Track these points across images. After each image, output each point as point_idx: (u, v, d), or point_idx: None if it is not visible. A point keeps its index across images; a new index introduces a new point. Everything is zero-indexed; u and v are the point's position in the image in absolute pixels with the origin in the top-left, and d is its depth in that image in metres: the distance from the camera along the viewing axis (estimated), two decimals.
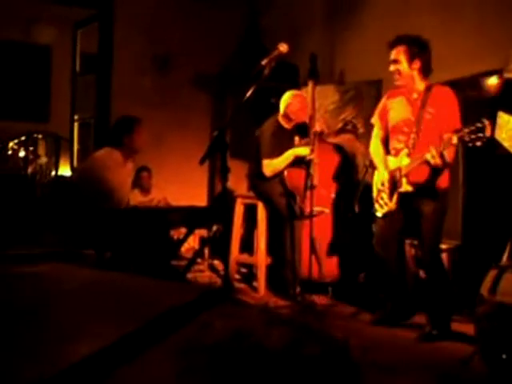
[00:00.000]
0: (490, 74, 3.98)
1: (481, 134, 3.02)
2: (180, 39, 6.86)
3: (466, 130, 3.09)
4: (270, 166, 4.56)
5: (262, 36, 6.80)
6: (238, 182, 5.15)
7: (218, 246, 5.64)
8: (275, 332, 1.11)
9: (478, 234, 3.99)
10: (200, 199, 6.74)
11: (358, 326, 3.83)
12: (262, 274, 4.76)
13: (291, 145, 4.66)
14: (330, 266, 4.67)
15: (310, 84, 4.30)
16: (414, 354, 3.27)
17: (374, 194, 3.74)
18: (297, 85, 5.63)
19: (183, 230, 5.10)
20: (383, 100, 3.84)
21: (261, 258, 4.78)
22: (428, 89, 3.54)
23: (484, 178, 4.00)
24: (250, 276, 5.24)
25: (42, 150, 8.88)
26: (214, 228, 5.05)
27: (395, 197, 3.58)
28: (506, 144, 3.85)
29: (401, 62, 3.52)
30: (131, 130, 4.36)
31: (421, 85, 3.57)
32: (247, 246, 5.28)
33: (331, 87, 5.42)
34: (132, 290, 1.40)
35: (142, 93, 6.74)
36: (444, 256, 3.96)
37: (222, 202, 4.07)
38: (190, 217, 4.67)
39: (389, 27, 5.20)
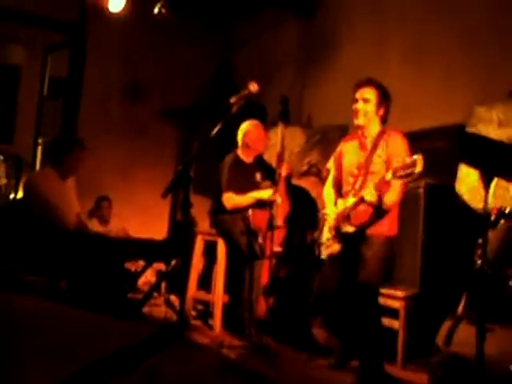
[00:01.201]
0: (456, 126, 4.07)
1: (412, 169, 2.96)
2: (151, 71, 6.89)
3: (399, 166, 3.06)
4: (232, 200, 4.54)
5: (234, 74, 6.87)
6: (200, 218, 5.10)
7: (176, 280, 5.55)
8: (228, 382, 1.06)
9: (435, 283, 4.02)
10: (160, 233, 6.67)
11: (315, 374, 3.75)
12: (218, 312, 4.69)
13: (251, 180, 4.66)
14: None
15: (281, 126, 4.33)
16: None
17: (322, 236, 3.68)
18: (264, 125, 5.67)
19: (141, 263, 5.02)
20: (339, 145, 3.85)
21: (218, 295, 4.72)
22: (381, 133, 3.54)
23: (444, 228, 4.05)
24: (206, 313, 5.16)
25: (1, 172, 8.69)
26: (173, 262, 4.99)
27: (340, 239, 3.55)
28: (465, 197, 3.94)
29: (370, 103, 3.52)
30: (67, 153, 4.46)
31: (376, 130, 3.57)
32: (205, 282, 5.21)
33: (298, 129, 5.47)
34: (78, 326, 1.34)
35: (109, 121, 6.71)
36: (401, 304, 3.98)
37: (181, 236, 4.03)
38: (149, 249, 4.61)
39: (359, 75, 5.30)
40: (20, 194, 8.25)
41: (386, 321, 4.06)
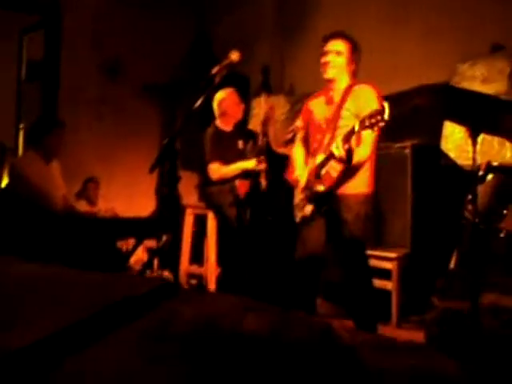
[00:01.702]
0: (438, 85, 4.06)
1: (379, 117, 2.84)
2: (129, 48, 6.78)
3: (366, 115, 2.91)
4: (217, 171, 4.54)
5: (214, 46, 6.80)
6: (188, 192, 5.09)
7: (168, 256, 5.56)
8: (251, 317, 1.04)
9: (426, 242, 4.06)
10: (148, 209, 6.64)
11: None
12: (212, 285, 4.71)
13: (234, 148, 4.64)
14: None
15: (264, 97, 4.30)
16: None
17: (295, 199, 3.48)
18: (247, 96, 5.63)
19: (132, 242, 5.01)
20: (306, 103, 3.62)
21: (211, 269, 4.73)
22: (349, 86, 3.33)
23: (432, 188, 4.08)
24: (200, 287, 5.18)
25: None
26: (164, 238, 4.98)
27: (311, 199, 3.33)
28: (451, 154, 3.96)
29: (342, 56, 3.32)
30: (48, 133, 4.38)
31: (345, 84, 3.36)
32: (197, 256, 5.22)
33: (281, 98, 5.45)
34: (84, 280, 1.33)
35: (89, 101, 6.62)
36: (393, 264, 4.01)
37: (170, 211, 4.01)
38: (138, 227, 4.60)
39: None
40: (4, 182, 8.18)
41: (379, 282, 4.10)
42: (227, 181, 4.53)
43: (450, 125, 3.82)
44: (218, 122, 4.72)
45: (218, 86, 3.23)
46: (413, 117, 4.02)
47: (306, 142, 3.55)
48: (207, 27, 7.06)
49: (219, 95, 4.68)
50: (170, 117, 6.88)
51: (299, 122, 3.67)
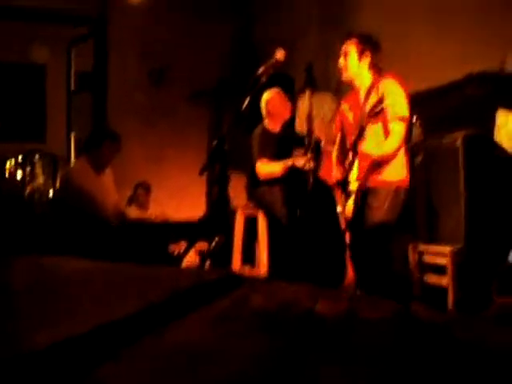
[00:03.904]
0: (488, 73, 3.94)
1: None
2: (174, 54, 6.89)
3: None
4: (265, 168, 4.48)
5: (257, 48, 6.82)
6: (237, 193, 5.11)
7: (219, 258, 5.58)
8: (323, 303, 1.04)
9: (481, 236, 3.94)
10: (199, 212, 6.71)
11: None
12: None
13: (282, 150, 4.60)
14: None
15: (307, 93, 4.26)
16: None
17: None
18: (293, 95, 5.61)
19: (184, 245, 5.05)
20: (340, 106, 3.69)
21: (263, 270, 4.72)
22: (373, 83, 3.34)
23: (485, 180, 3.96)
24: None
25: (39, 170, 8.83)
26: (216, 239, 5.02)
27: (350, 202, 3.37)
28: (505, 145, 3.85)
29: (350, 56, 3.36)
30: (100, 145, 4.42)
31: (369, 80, 3.39)
32: (248, 257, 5.22)
33: (328, 95, 5.40)
34: (150, 272, 1.35)
35: (138, 109, 6.75)
36: (447, 259, 3.92)
37: (221, 212, 4.04)
38: (189, 230, 4.64)
39: (384, 34, 5.20)
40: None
41: (434, 278, 4.03)
42: (276, 179, 4.49)
43: (503, 114, 3.72)
44: (266, 123, 4.71)
45: (264, 86, 3.23)
46: (464, 107, 3.90)
47: (343, 144, 3.59)
48: (251, 30, 7.08)
49: (266, 96, 4.68)
50: (217, 120, 6.93)
51: (334, 125, 3.76)
